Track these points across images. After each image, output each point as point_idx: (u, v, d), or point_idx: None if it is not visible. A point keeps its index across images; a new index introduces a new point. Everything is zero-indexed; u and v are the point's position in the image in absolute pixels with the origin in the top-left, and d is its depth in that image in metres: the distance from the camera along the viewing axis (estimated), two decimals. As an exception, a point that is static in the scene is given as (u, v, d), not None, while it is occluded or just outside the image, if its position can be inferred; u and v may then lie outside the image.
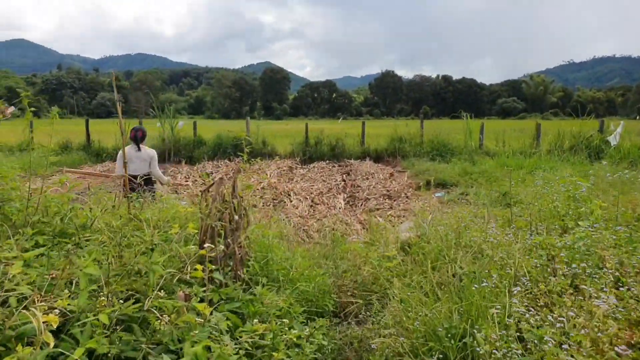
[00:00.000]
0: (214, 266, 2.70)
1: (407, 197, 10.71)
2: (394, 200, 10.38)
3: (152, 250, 2.42)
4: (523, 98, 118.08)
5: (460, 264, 3.32)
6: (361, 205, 10.31)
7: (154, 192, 6.75)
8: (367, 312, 3.55)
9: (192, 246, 2.31)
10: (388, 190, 11.41)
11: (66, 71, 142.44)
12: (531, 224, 3.99)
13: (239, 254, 2.76)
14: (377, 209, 9.63)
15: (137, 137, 6.97)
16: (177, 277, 2.17)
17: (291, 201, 10.38)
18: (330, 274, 3.95)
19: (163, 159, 18.52)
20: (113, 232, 2.64)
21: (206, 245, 2.25)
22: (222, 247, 2.68)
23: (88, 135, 19.17)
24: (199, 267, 2.16)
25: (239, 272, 2.74)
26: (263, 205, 10.01)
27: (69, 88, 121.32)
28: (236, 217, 2.79)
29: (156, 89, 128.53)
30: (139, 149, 6.95)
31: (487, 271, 3.03)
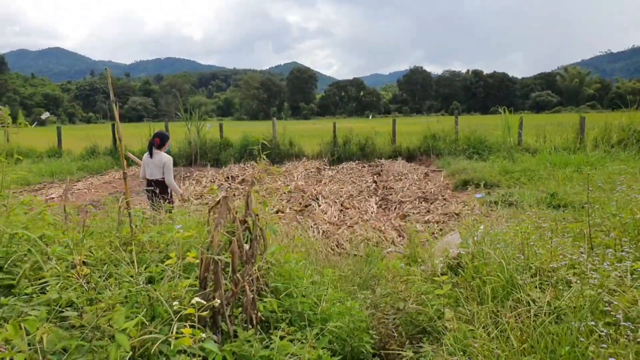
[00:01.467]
0: (218, 308, 2.08)
1: (444, 199, 9.93)
2: (431, 203, 9.61)
3: (137, 293, 1.83)
4: (557, 91, 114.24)
5: (532, 296, 2.61)
6: (395, 209, 9.58)
7: (169, 198, 6.52)
8: (415, 353, 2.88)
9: (175, 302, 1.69)
10: (423, 192, 10.64)
11: (98, 77, 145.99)
12: (616, 242, 3.23)
13: (252, 291, 2.14)
14: (413, 214, 8.89)
15: (152, 144, 6.76)
16: (158, 342, 1.56)
17: (319, 205, 9.75)
18: (367, 304, 3.29)
19: (190, 162, 18.22)
20: (88, 269, 2.05)
21: (195, 299, 1.63)
22: (229, 284, 2.08)
23: (115, 139, 18.99)
24: (186, 330, 1.54)
25: (251, 315, 2.13)
26: (290, 211, 9.41)
27: (102, 93, 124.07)
28: (247, 247, 2.17)
29: (185, 92, 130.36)
30: (151, 156, 6.68)
31: (576, 309, 2.31)
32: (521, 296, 2.70)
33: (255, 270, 2.29)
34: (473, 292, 3.26)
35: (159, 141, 6.77)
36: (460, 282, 3.51)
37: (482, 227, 4.20)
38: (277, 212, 9.32)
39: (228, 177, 13.47)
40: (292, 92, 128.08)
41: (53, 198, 11.70)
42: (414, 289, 3.41)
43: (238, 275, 2.09)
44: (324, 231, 7.49)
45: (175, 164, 17.88)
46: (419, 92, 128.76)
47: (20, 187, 13.09)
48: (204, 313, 1.68)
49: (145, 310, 1.77)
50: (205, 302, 1.70)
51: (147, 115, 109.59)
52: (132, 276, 2.01)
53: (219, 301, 1.84)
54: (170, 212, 5.52)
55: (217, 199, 2.60)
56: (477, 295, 3.21)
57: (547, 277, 2.97)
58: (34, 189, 13.07)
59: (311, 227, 7.75)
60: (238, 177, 13.78)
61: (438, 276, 3.63)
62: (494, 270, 3.18)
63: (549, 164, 13.35)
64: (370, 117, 41.44)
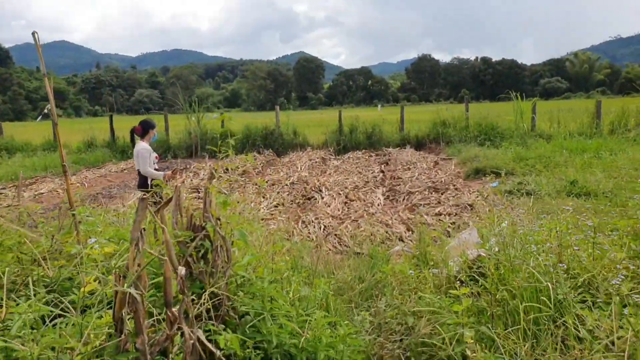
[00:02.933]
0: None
1: (456, 188, 9.25)
2: (442, 194, 8.94)
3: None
4: (566, 77, 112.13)
5: (586, 321, 1.98)
6: (403, 200, 8.93)
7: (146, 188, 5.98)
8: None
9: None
10: (433, 182, 9.97)
11: (104, 70, 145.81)
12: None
13: (192, 334, 1.53)
14: (423, 205, 8.24)
15: (133, 132, 6.24)
16: None
17: (322, 198, 9.12)
18: (367, 326, 2.67)
19: (190, 154, 17.66)
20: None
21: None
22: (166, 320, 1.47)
23: (112, 132, 18.46)
24: None
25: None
26: (290, 204, 8.80)
27: (108, 86, 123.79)
28: (182, 271, 1.54)
29: (192, 84, 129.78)
30: (133, 145, 6.21)
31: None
32: (563, 318, 2.06)
33: (205, 298, 1.68)
34: (499, 306, 2.63)
35: (141, 129, 6.20)
36: (482, 293, 2.88)
37: (505, 223, 3.55)
38: (277, 205, 8.73)
39: (227, 169, 12.86)
40: (300, 82, 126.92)
41: (42, 193, 11.18)
42: (426, 302, 2.78)
43: (174, 310, 1.48)
44: (325, 226, 6.86)
45: (175, 156, 17.46)
46: (427, 80, 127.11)
47: (10, 182, 12.60)
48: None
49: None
50: None
51: (154, 107, 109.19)
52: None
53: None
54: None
55: (167, 199, 1.98)
56: (503, 311, 2.58)
57: (595, 291, 2.33)
58: (25, 184, 12.56)
59: (312, 221, 7.14)
60: (238, 168, 13.17)
61: (453, 284, 3.00)
62: (525, 280, 2.54)
63: (564, 150, 12.65)
64: (380, 107, 40.07)
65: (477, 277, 3.08)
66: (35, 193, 11.30)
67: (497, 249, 3.21)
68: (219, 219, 1.95)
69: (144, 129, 6.19)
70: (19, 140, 18.94)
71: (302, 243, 4.26)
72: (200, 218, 1.97)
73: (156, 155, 6.30)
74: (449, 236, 4.64)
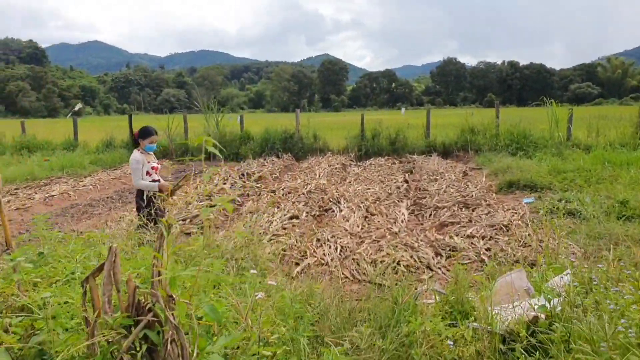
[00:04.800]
0: None
1: (488, 205, 8.42)
2: (473, 210, 8.12)
3: None
4: (598, 83, 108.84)
5: None
6: (430, 216, 8.17)
7: (145, 206, 5.35)
8: None
9: None
10: (463, 196, 9.14)
11: (133, 69, 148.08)
12: None
13: None
14: (452, 223, 7.47)
15: (135, 140, 5.70)
16: None
17: (341, 210, 8.42)
18: None
19: (208, 157, 17.17)
20: None
21: None
22: None
23: (131, 131, 18.10)
24: None
25: None
26: (306, 216, 8.12)
27: (136, 85, 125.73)
28: None
29: (218, 85, 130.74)
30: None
31: None
32: None
33: None
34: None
35: (137, 135, 5.63)
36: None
37: (567, 277, 2.81)
38: (291, 217, 8.07)
39: (243, 174, 12.26)
40: (323, 84, 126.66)
41: (54, 195, 10.76)
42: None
43: None
44: (342, 247, 6.15)
45: (192, 158, 17.00)
46: (452, 83, 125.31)
47: (25, 183, 12.25)
48: None
49: None
50: None
51: (180, 107, 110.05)
52: None
53: None
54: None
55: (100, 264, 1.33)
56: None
57: None
58: (39, 184, 12.19)
59: (328, 240, 6.45)
60: (255, 173, 12.57)
61: (500, 351, 2.30)
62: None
63: (607, 163, 11.61)
64: (403, 111, 38.80)
65: (534, 342, 2.35)
66: (46, 195, 10.91)
67: (559, 309, 2.49)
68: (172, 297, 1.30)
69: (141, 136, 5.63)
70: (41, 138, 18.71)
71: (310, 285, 3.57)
72: (146, 295, 1.32)
73: (154, 165, 5.70)
74: (485, 276, 3.89)
